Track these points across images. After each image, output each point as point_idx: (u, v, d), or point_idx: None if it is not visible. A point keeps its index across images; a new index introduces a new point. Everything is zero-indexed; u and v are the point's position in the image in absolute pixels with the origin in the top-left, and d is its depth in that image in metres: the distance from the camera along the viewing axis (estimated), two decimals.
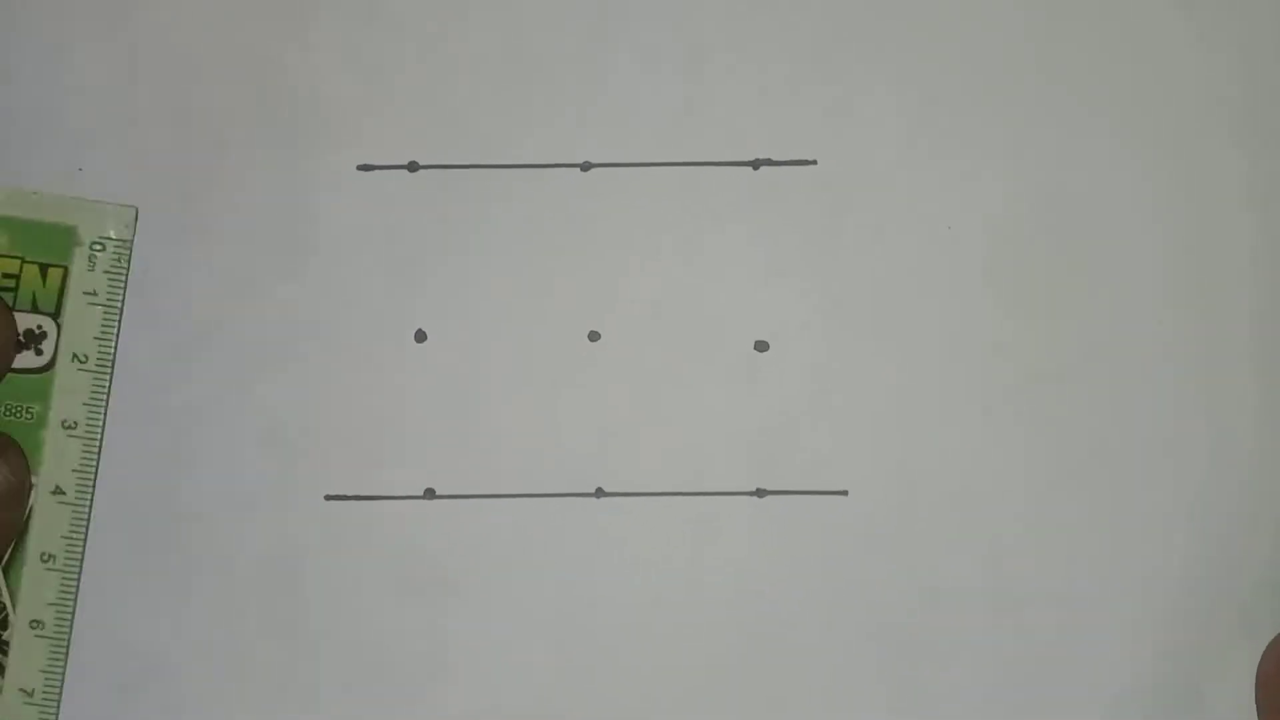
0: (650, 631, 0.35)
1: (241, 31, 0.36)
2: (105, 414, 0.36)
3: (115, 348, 0.36)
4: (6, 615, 0.35)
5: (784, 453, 0.36)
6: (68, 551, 0.35)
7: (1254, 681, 0.34)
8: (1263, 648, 0.34)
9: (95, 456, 0.36)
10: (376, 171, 0.36)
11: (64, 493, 0.35)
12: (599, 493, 0.35)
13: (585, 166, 0.36)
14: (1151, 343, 0.36)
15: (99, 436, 0.35)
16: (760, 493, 0.35)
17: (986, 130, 0.36)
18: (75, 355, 0.36)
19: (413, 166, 0.36)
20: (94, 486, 0.35)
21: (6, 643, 0.35)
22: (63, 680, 0.35)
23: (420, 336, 0.36)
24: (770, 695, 0.35)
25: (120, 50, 0.36)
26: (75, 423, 0.35)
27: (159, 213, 0.36)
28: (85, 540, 0.35)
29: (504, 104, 0.36)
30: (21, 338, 0.35)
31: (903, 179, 0.36)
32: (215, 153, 0.36)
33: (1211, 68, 0.36)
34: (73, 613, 0.35)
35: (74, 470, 0.35)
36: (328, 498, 0.35)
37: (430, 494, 0.36)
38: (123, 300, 0.36)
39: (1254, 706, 0.34)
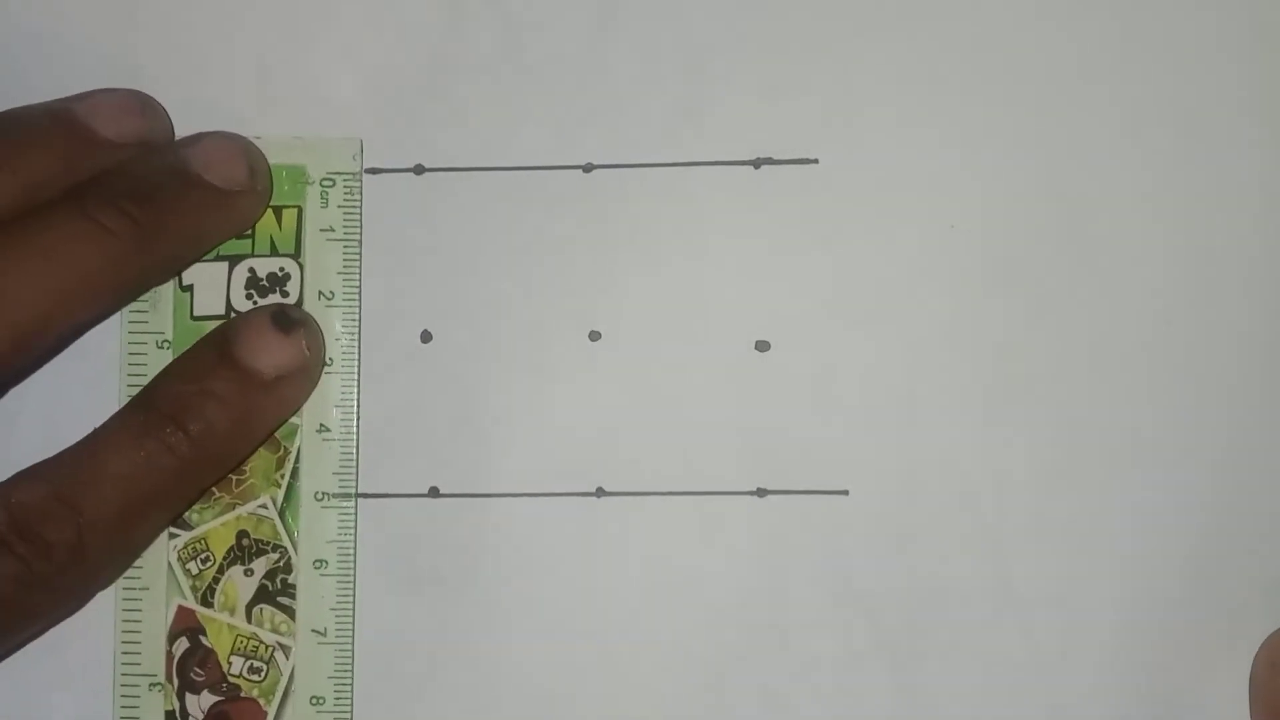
0: (651, 630, 0.35)
1: (245, 34, 0.37)
2: (360, 346, 0.36)
3: (360, 282, 0.36)
4: (290, 558, 0.36)
5: (784, 452, 0.36)
6: (341, 487, 0.36)
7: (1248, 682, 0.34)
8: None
9: (355, 390, 0.36)
10: (383, 174, 0.37)
11: (329, 429, 0.36)
12: (599, 492, 0.36)
13: (588, 168, 0.36)
14: (1155, 343, 0.35)
15: (356, 369, 0.36)
16: (761, 492, 0.36)
17: (989, 129, 0.36)
18: (321, 293, 0.36)
19: (419, 169, 0.37)
20: (358, 419, 0.36)
21: (294, 586, 0.36)
22: (354, 619, 0.35)
23: (425, 337, 0.37)
24: (771, 695, 0.35)
25: (122, 50, 0.37)
26: (331, 359, 0.36)
27: None
28: (357, 474, 0.36)
29: (507, 107, 0.36)
30: (265, 281, 0.36)
31: (905, 177, 0.36)
32: None
33: (1220, 64, 0.36)
34: (355, 549, 0.36)
35: (336, 405, 0.36)
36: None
37: (434, 492, 0.36)
38: (360, 233, 0.36)
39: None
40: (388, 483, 0.36)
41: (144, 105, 0.35)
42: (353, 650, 0.35)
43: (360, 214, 0.36)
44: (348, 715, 0.35)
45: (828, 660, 0.35)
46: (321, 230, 0.36)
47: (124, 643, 0.35)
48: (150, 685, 0.35)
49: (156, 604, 0.35)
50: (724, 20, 0.36)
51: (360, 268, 0.36)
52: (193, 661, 0.35)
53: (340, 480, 0.36)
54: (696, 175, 0.36)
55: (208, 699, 0.35)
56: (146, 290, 0.35)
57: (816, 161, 0.36)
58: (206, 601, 0.35)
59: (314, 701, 0.35)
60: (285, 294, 0.36)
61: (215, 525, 0.35)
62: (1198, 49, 0.36)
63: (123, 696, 0.35)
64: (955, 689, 0.35)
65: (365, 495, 0.36)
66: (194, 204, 0.34)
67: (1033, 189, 0.36)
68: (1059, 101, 0.36)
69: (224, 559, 0.35)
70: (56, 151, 0.34)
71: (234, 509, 0.35)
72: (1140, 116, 0.36)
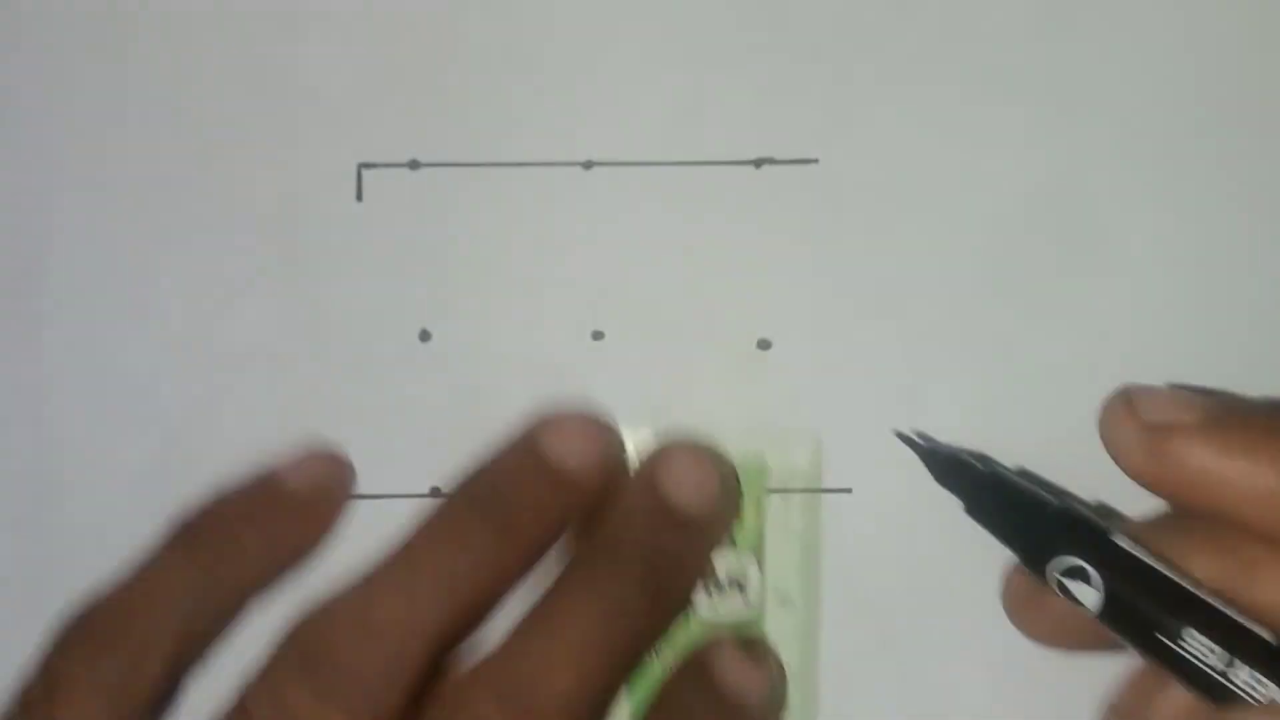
0: None
1: (240, 29, 0.36)
2: None
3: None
4: None
5: (787, 451, 0.36)
6: None
7: None
8: None
9: None
10: (378, 169, 0.36)
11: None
12: None
13: (587, 165, 0.36)
14: (1155, 343, 0.36)
15: None
16: (765, 492, 0.36)
17: (990, 128, 0.36)
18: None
19: (414, 165, 0.36)
20: None
21: None
22: None
23: (424, 336, 0.36)
24: None
25: (116, 46, 0.36)
26: None
27: (156, 212, 0.36)
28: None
29: (506, 102, 0.36)
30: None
31: (905, 177, 0.36)
32: (214, 152, 0.36)
33: (1221, 64, 0.36)
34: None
35: None
36: None
37: (436, 493, 0.36)
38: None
39: None
40: (388, 483, 0.36)
41: (602, 429, 0.34)
42: None
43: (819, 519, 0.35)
44: None
45: (831, 659, 0.35)
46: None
47: None
48: None
49: None
50: (724, 19, 0.36)
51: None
52: None
53: None
54: (696, 174, 0.36)
55: None
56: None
57: (817, 161, 0.36)
58: None
59: None
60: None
61: None
62: (1199, 49, 0.36)
63: None
64: (960, 688, 0.35)
65: (365, 496, 0.35)
66: (696, 561, 0.34)
67: (1036, 187, 0.36)
68: (1062, 100, 0.36)
69: None
70: (546, 511, 0.33)
71: None
72: (1141, 116, 0.36)
